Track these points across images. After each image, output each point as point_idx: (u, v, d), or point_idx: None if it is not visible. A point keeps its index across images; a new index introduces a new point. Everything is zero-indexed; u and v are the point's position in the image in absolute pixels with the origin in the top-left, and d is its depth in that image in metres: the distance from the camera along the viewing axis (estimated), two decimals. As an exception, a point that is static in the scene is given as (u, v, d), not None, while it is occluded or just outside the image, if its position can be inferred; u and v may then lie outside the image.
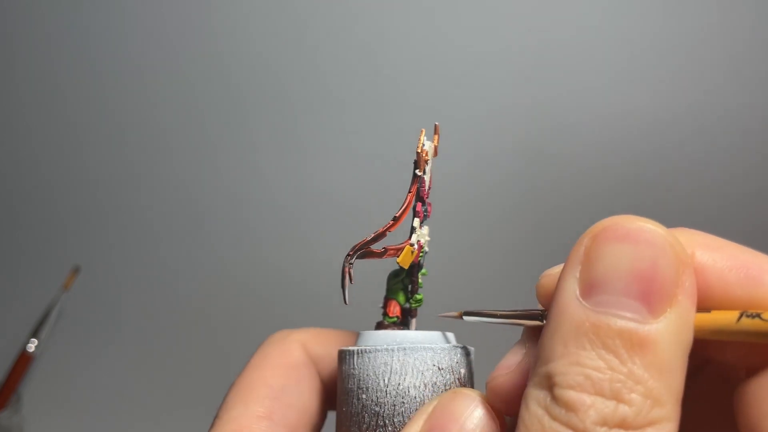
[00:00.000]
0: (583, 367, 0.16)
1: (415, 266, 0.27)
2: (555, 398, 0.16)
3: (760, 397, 0.16)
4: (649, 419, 0.15)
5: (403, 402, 0.22)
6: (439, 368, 0.23)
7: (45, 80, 0.64)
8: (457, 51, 0.64)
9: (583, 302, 0.16)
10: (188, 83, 0.64)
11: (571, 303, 0.17)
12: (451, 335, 0.25)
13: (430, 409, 0.21)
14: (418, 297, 0.26)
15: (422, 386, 0.22)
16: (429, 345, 0.23)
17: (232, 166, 0.65)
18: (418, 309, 0.27)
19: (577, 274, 0.17)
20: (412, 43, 0.64)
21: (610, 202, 0.64)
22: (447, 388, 0.23)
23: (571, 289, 0.17)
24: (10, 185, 0.66)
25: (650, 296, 0.16)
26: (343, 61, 0.64)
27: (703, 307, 0.17)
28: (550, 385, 0.16)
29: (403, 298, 0.27)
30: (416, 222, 0.27)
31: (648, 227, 0.16)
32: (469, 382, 0.24)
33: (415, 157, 0.26)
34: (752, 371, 0.17)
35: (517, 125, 0.65)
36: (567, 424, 0.16)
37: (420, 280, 0.27)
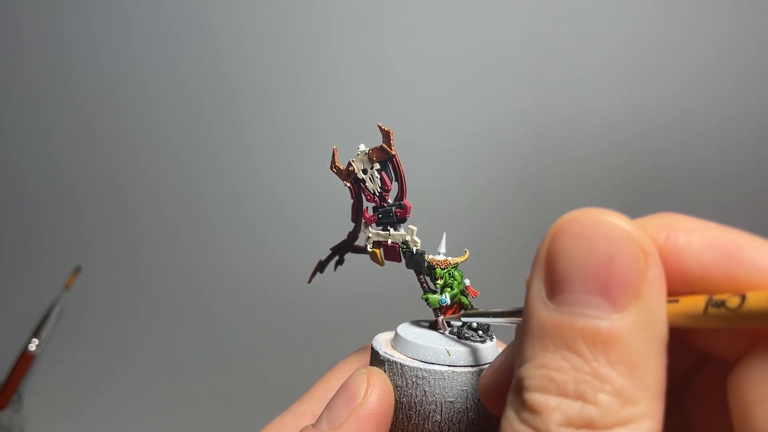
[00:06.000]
0: (547, 369, 0.16)
1: (412, 267, 0.27)
2: (523, 402, 0.16)
3: (744, 385, 0.15)
4: (620, 419, 0.15)
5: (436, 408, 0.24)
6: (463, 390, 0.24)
7: (46, 82, 0.65)
8: (459, 50, 0.64)
9: (549, 303, 0.16)
10: (188, 84, 0.64)
11: (537, 305, 0.17)
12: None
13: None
14: (424, 297, 0.27)
15: (451, 396, 0.24)
16: (449, 367, 0.24)
17: (232, 167, 0.66)
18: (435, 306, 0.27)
19: (542, 275, 0.17)
20: (413, 44, 0.64)
21: (613, 199, 0.65)
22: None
23: (537, 291, 0.17)
24: (11, 186, 0.66)
25: (610, 291, 0.15)
26: (343, 62, 0.64)
27: (679, 291, 0.17)
28: (520, 388, 0.16)
29: (428, 295, 0.27)
30: (373, 227, 0.28)
31: (604, 219, 0.16)
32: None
33: (335, 173, 0.28)
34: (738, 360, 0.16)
35: (518, 125, 0.65)
36: (532, 427, 0.16)
37: (440, 282, 0.27)
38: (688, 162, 0.65)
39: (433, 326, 0.27)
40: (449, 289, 0.26)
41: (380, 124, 0.26)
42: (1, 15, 0.64)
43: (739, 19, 0.63)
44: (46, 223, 0.66)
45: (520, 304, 0.21)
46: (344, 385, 0.24)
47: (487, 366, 0.24)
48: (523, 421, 0.16)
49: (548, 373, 0.16)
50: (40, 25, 0.64)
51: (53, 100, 0.65)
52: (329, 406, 0.24)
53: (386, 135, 0.25)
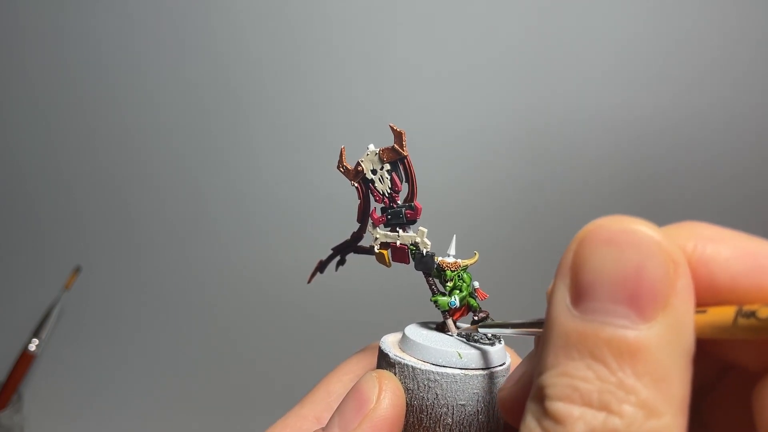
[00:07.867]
0: (571, 378, 0.15)
1: (422, 268, 0.27)
2: (545, 411, 0.16)
3: None
4: (644, 431, 0.14)
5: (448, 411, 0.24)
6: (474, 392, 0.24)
7: (47, 82, 0.64)
8: (460, 50, 0.64)
9: (573, 311, 0.16)
10: (190, 84, 0.64)
11: (561, 312, 0.16)
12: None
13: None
14: (433, 299, 0.27)
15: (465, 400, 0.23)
16: (461, 370, 0.23)
17: (234, 166, 0.65)
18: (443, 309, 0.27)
19: (567, 282, 0.16)
20: (419, 43, 0.64)
21: (620, 201, 0.64)
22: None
23: (562, 298, 0.16)
24: (12, 186, 0.66)
25: (639, 300, 0.15)
26: (349, 61, 0.64)
27: (707, 302, 0.16)
28: (541, 397, 0.16)
29: (437, 297, 0.27)
30: (381, 228, 0.27)
31: (633, 228, 0.16)
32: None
33: (343, 173, 0.27)
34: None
35: (527, 127, 0.65)
36: None
37: (449, 284, 0.26)
38: (696, 160, 0.65)
39: (440, 328, 0.27)
40: (458, 292, 0.26)
41: (392, 125, 0.25)
42: (1, 14, 0.63)
43: (739, 19, 0.63)
44: (46, 223, 0.66)
45: (530, 308, 0.21)
46: (355, 390, 0.23)
47: (497, 368, 0.24)
48: (545, 430, 0.16)
49: (572, 382, 0.15)
50: (40, 24, 0.63)
51: (53, 100, 0.65)
52: (340, 410, 0.23)
53: (398, 136, 0.25)
